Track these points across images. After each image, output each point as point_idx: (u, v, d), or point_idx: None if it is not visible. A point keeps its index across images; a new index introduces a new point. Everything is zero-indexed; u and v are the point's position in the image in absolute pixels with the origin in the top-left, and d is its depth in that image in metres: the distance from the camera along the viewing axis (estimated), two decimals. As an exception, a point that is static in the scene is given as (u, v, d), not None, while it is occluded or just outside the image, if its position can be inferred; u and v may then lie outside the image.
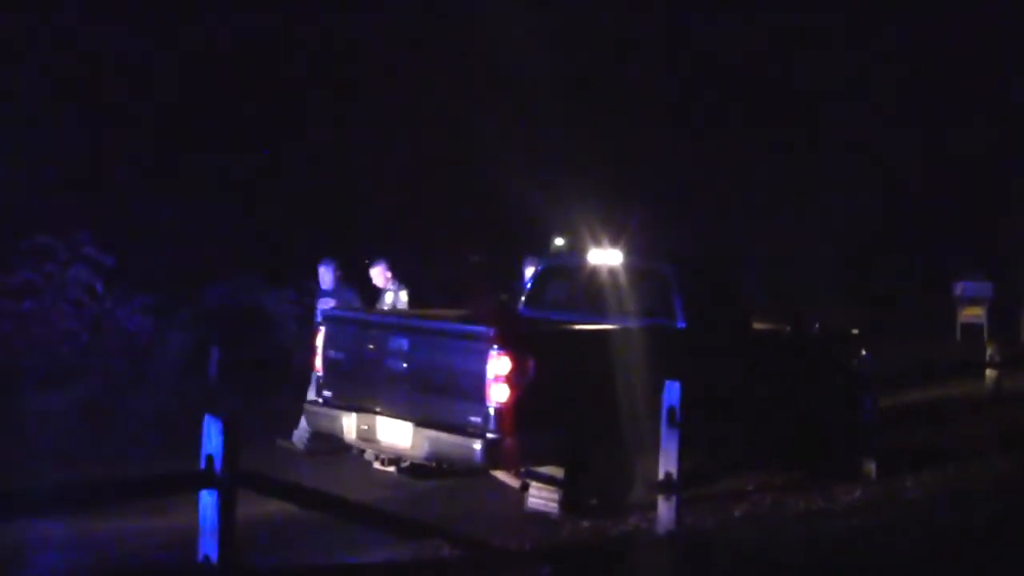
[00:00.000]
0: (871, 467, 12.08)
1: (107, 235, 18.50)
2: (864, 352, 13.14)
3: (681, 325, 11.33)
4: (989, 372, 15.16)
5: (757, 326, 12.34)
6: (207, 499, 6.28)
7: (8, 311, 17.91)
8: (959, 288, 28.47)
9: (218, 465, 6.23)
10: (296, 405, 12.00)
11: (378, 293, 13.64)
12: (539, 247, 16.47)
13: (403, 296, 13.40)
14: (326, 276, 13.74)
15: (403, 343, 10.56)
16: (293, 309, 20.49)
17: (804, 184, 31.24)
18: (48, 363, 17.13)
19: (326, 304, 13.27)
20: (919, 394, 16.81)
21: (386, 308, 13.23)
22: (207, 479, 6.26)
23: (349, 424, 10.74)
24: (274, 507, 8.05)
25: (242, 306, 20.47)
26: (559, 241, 24.27)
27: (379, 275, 13.58)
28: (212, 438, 6.27)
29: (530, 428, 9.75)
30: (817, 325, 13.14)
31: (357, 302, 13.54)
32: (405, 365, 10.49)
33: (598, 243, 12.43)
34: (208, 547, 6.27)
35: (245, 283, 21.17)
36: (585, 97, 28.86)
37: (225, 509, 6.27)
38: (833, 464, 12.19)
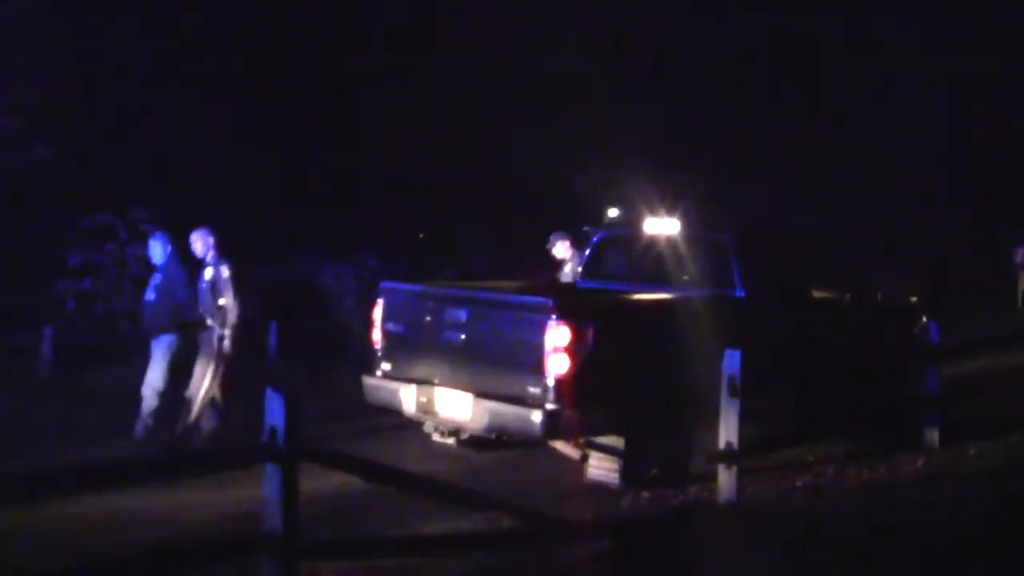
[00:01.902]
0: (934, 437, 11.95)
1: (166, 212, 18.64)
2: (925, 320, 13.01)
3: (740, 294, 11.25)
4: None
5: (817, 294, 12.23)
6: (271, 472, 6.31)
7: (70, 290, 18.15)
8: (1020, 254, 28.05)
9: (281, 438, 6.25)
10: (356, 379, 11.96)
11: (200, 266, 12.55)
12: (573, 223, 16.39)
13: (224, 272, 12.21)
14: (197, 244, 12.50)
15: (461, 315, 10.54)
16: (350, 284, 20.58)
17: (861, 151, 30.90)
18: (109, 340, 17.34)
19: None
20: (982, 363, 16.59)
21: (204, 284, 12.23)
22: (270, 452, 6.29)
23: (408, 397, 10.74)
24: (335, 480, 8.09)
25: (299, 282, 20.59)
26: (613, 212, 24.20)
27: (198, 243, 12.46)
28: (274, 411, 6.29)
29: (589, 399, 9.72)
30: (879, 294, 13.01)
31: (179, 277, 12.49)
32: (464, 337, 10.48)
33: (654, 213, 12.37)
34: (272, 520, 6.31)
35: (302, 259, 21.30)
36: (636, 69, 28.69)
37: (288, 482, 6.31)
38: (895, 434, 12.07)
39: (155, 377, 12.15)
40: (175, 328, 12.21)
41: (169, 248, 12.52)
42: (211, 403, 12.19)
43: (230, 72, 22.33)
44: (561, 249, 13.98)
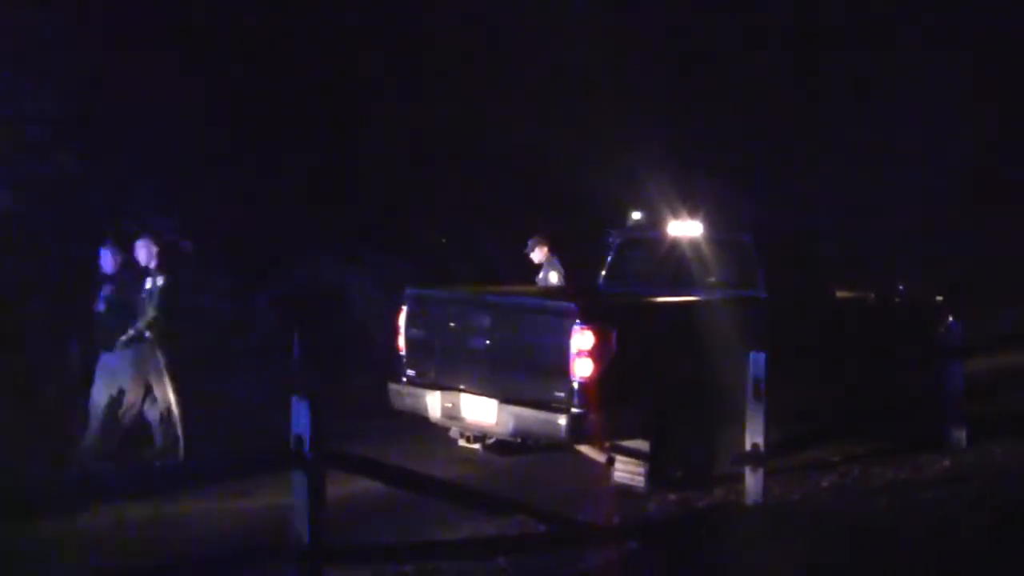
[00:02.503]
0: (961, 436, 11.91)
1: (185, 220, 18.71)
2: (951, 319, 12.97)
3: (764, 295, 11.23)
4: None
5: (841, 294, 12.20)
6: (298, 479, 6.33)
7: (93, 296, 18.20)
8: None
9: (307, 445, 6.27)
10: (379, 384, 11.94)
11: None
12: (596, 225, 16.30)
13: (159, 282, 11.88)
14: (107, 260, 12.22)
15: (485, 320, 10.56)
16: (372, 289, 20.58)
17: (885, 147, 30.74)
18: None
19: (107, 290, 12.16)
20: (1010, 360, 16.51)
21: (144, 294, 11.85)
22: (297, 459, 6.31)
23: (433, 402, 10.76)
24: (362, 486, 8.10)
25: (323, 288, 20.61)
26: (636, 214, 24.16)
27: (142, 252, 12.10)
28: (300, 418, 6.31)
29: (615, 402, 9.72)
30: (903, 292, 12.96)
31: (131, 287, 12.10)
32: (488, 342, 10.49)
33: (677, 215, 12.36)
34: (299, 527, 6.33)
35: (325, 265, 21.32)
36: (662, 69, 28.63)
37: (315, 488, 6.32)
38: (921, 433, 12.04)
39: (107, 393, 11.62)
40: (130, 340, 11.72)
41: (119, 258, 12.16)
42: (168, 419, 11.72)
43: (245, 74, 22.37)
44: (539, 254, 14.01)
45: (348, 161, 24.24)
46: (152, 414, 11.77)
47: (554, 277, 13.77)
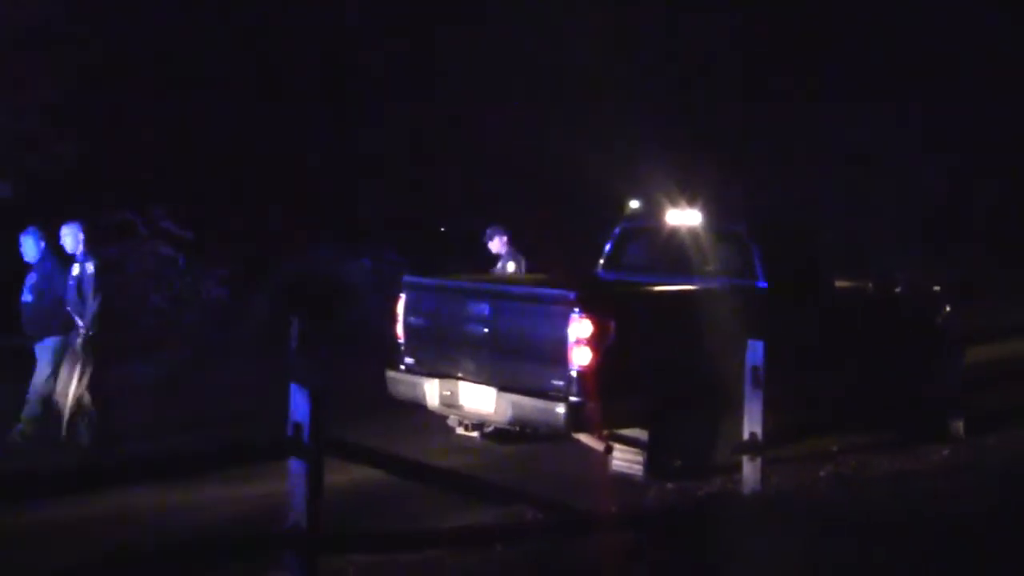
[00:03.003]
0: (958, 426, 11.93)
1: (186, 209, 18.73)
2: (948, 309, 12.96)
3: (762, 285, 11.22)
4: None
5: (839, 284, 12.18)
6: (296, 467, 6.33)
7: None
8: None
9: (306, 433, 6.27)
10: (378, 373, 11.92)
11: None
12: (594, 214, 16.24)
13: (89, 268, 11.55)
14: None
15: (484, 308, 10.55)
16: (370, 278, 20.60)
17: (885, 142, 30.68)
18: (130, 336, 17.39)
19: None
20: (1008, 352, 16.49)
21: (72, 282, 11.54)
22: (295, 447, 6.31)
23: (432, 390, 10.78)
24: (360, 474, 8.10)
25: (320, 276, 20.62)
26: (634, 204, 24.14)
27: (68, 238, 11.77)
28: (299, 406, 6.30)
29: (613, 391, 9.72)
30: (901, 282, 12.94)
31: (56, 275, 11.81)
32: (486, 330, 10.49)
33: (676, 205, 12.34)
34: (297, 514, 6.33)
35: (322, 254, 21.33)
36: (652, 58, 28.59)
37: (313, 477, 6.32)
38: (919, 424, 12.04)
39: (39, 381, 11.51)
40: (58, 329, 11.56)
41: (43, 245, 11.84)
42: (81, 412, 11.42)
43: (247, 65, 22.38)
44: (497, 244, 13.87)
45: (348, 153, 24.27)
46: (62, 403, 11.45)
47: (511, 267, 13.66)
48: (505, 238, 13.87)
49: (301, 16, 23.64)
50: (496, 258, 13.95)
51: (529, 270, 13.59)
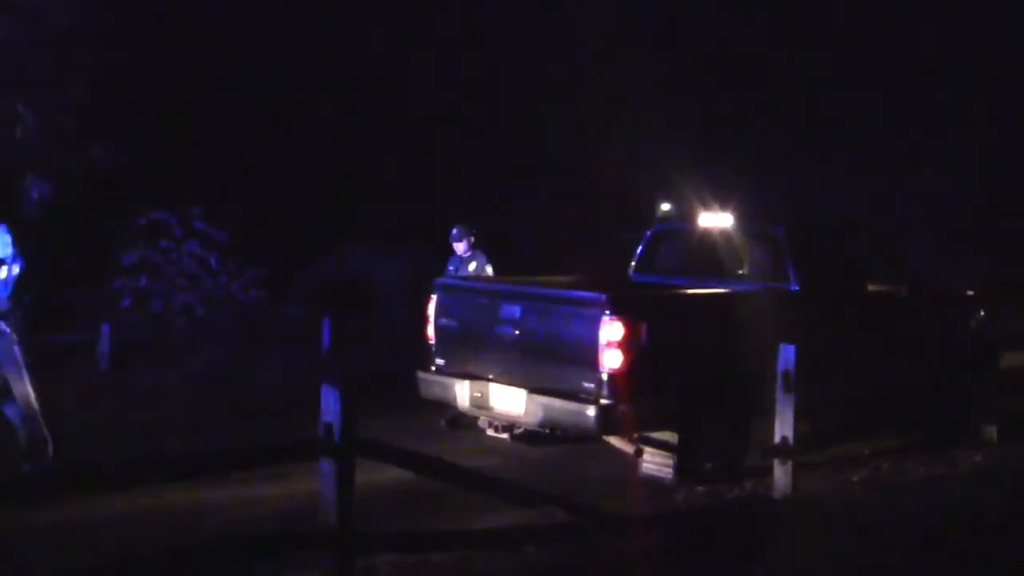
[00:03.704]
0: (991, 432, 11.85)
1: (220, 209, 18.81)
2: (983, 313, 12.88)
3: (794, 288, 11.19)
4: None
5: (872, 288, 12.13)
6: (327, 467, 6.36)
7: (126, 287, 18.35)
8: None
9: (337, 433, 6.29)
10: (407, 374, 11.94)
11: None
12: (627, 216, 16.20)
13: (15, 271, 11.11)
14: None
15: (515, 310, 10.56)
16: (402, 279, 20.64)
17: (918, 145, 30.47)
18: (164, 337, 17.52)
19: None
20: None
21: None
22: (326, 447, 6.34)
23: (462, 392, 10.79)
24: (390, 474, 8.10)
25: (353, 277, 20.69)
26: (666, 206, 24.13)
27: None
28: (330, 407, 6.33)
29: (643, 393, 9.71)
30: (936, 287, 12.87)
31: None
32: (517, 332, 10.50)
33: (708, 207, 12.33)
34: (328, 514, 6.36)
35: (356, 255, 21.40)
36: (684, 57, 28.53)
37: (344, 476, 6.35)
38: (952, 428, 11.98)
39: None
40: None
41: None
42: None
43: (280, 66, 22.47)
44: (463, 246, 13.58)
45: (379, 154, 24.32)
46: (11, 411, 10.98)
47: (472, 267, 13.44)
48: (472, 239, 13.63)
49: (336, 16, 23.72)
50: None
51: (497, 271, 13.38)
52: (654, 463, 10.29)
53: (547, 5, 26.40)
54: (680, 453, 10.16)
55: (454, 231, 13.72)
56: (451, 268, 13.68)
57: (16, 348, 10.90)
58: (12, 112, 17.90)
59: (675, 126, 25.76)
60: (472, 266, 13.50)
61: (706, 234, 12.15)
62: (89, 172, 18.82)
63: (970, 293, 13.47)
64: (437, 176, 24.80)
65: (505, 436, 11.14)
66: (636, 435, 10.21)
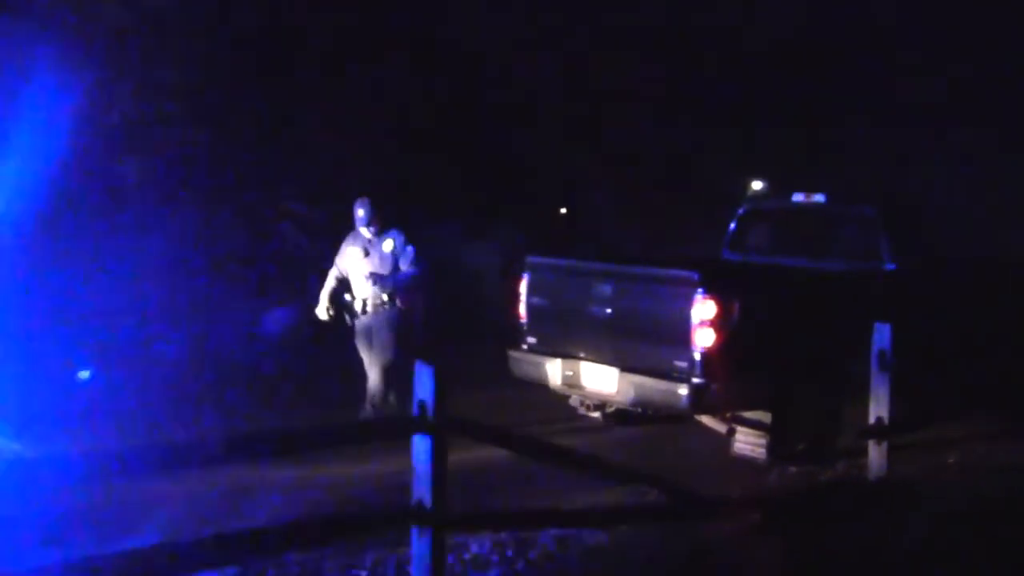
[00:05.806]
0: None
1: (311, 190, 18.96)
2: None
3: (890, 267, 11.06)
4: None
5: (967, 268, 11.93)
6: (420, 444, 6.39)
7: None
8: None
9: (430, 411, 6.33)
10: (498, 352, 11.94)
11: None
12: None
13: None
14: None
15: (606, 288, 10.54)
16: (493, 259, 20.69)
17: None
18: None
19: None
20: None
21: None
22: (420, 424, 6.37)
23: (554, 370, 10.80)
24: (481, 452, 8.15)
25: (444, 257, 20.75)
26: (757, 185, 23.94)
27: None
28: (424, 385, 6.37)
29: (736, 373, 9.66)
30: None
31: None
32: (609, 310, 10.48)
33: (800, 186, 12.22)
34: (421, 491, 6.39)
35: (446, 235, 21.46)
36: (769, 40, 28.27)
37: (437, 454, 6.38)
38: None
39: None
40: None
41: None
42: None
43: (371, 55, 22.54)
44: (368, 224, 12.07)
45: (469, 134, 24.33)
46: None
47: (388, 246, 11.99)
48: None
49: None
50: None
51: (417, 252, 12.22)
52: (747, 443, 10.23)
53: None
54: (773, 433, 10.09)
55: (363, 208, 12.11)
56: (351, 247, 12.24)
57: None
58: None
59: (766, 108, 25.56)
60: (388, 245, 12.04)
61: (799, 213, 12.05)
62: (187, 158, 19.01)
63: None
64: (528, 158, 24.79)
65: (597, 415, 11.17)
66: (728, 415, 10.18)
